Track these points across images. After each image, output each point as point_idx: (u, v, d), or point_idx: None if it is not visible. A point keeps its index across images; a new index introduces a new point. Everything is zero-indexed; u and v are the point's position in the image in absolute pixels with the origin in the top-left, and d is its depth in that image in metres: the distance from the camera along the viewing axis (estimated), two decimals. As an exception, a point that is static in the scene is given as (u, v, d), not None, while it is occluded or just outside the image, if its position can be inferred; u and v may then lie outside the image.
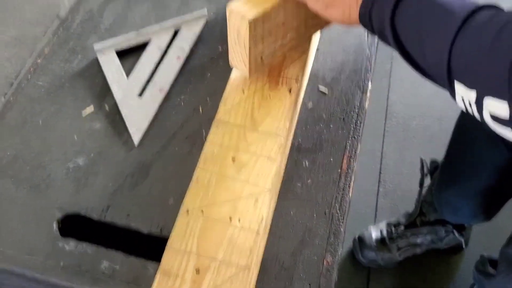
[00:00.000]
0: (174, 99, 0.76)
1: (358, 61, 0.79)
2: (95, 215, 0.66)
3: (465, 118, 1.02)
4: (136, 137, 0.71)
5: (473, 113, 0.46)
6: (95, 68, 0.79)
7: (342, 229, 0.65)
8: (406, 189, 1.43)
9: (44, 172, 0.69)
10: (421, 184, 1.27)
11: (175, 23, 0.82)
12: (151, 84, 0.76)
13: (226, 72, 0.76)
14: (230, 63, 0.65)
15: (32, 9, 1.86)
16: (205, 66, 0.79)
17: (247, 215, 0.55)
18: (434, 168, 1.23)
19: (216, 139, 0.61)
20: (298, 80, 0.66)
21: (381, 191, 1.44)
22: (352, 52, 0.80)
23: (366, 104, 0.76)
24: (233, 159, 0.59)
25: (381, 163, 1.48)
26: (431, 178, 1.26)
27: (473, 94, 0.44)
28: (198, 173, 0.58)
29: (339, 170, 0.69)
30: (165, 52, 0.80)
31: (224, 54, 0.80)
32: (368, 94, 0.77)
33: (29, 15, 1.86)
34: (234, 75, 0.67)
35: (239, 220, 0.55)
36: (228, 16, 0.58)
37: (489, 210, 1.09)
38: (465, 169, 1.03)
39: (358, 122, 0.73)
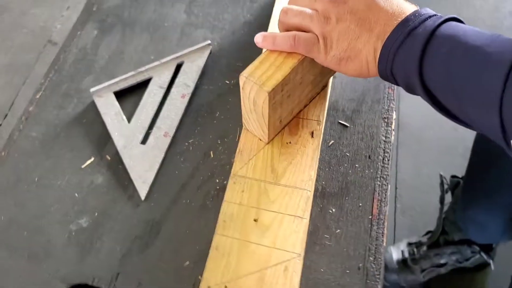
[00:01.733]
0: (181, 144, 0.69)
1: (379, 89, 0.73)
2: (103, 285, 0.59)
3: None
4: (142, 191, 0.64)
5: None
6: (92, 113, 0.72)
7: (379, 286, 0.58)
8: (424, 205, 1.36)
9: (42, 237, 0.62)
10: (442, 201, 1.21)
11: (176, 57, 0.75)
12: (155, 128, 0.69)
13: (236, 110, 0.70)
14: (244, 126, 0.59)
15: (22, 34, 1.78)
16: (213, 103, 0.73)
17: (276, 288, 0.49)
18: (455, 185, 1.16)
19: (234, 197, 0.54)
20: (320, 122, 0.59)
21: (399, 207, 1.38)
22: (373, 79, 0.73)
23: (392, 138, 0.69)
24: (256, 220, 0.52)
25: (396, 178, 1.42)
26: (452, 195, 1.19)
27: None
28: (218, 240, 0.52)
29: (370, 217, 0.62)
30: (168, 90, 0.73)
31: (233, 88, 0.74)
32: (393, 126, 0.70)
33: (19, 41, 1.79)
34: (248, 119, 0.60)
35: (268, 295, 0.48)
36: (242, 85, 0.52)
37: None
38: (492, 184, 0.96)
39: (386, 159, 0.67)
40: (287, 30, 0.55)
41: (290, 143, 0.58)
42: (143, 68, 0.74)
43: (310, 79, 0.57)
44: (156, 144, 0.68)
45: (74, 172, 0.67)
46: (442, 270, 1.20)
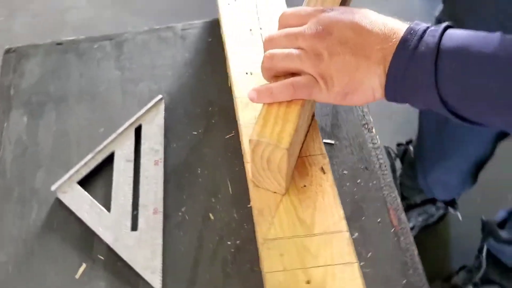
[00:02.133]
0: (175, 216, 0.63)
1: (348, 96, 0.71)
2: None
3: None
4: (156, 283, 0.58)
5: None
6: (62, 213, 0.63)
7: (428, 296, 0.58)
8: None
9: None
10: (394, 170, 1.25)
11: (131, 123, 0.68)
12: (140, 208, 0.63)
13: (215, 160, 0.66)
14: (254, 183, 0.55)
15: None
16: (190, 161, 0.67)
17: None
18: (403, 152, 1.21)
19: (275, 265, 0.50)
20: (324, 154, 0.57)
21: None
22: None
23: (379, 142, 0.68)
24: (308, 283, 0.49)
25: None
26: (402, 161, 1.24)
27: None
28: (278, 318, 0.48)
29: (393, 230, 0.61)
30: (137, 161, 0.66)
31: (203, 138, 0.69)
32: (374, 131, 0.69)
33: None
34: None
35: None
36: (253, 148, 0.49)
37: (477, 174, 1.09)
38: (448, 145, 1.00)
39: (383, 166, 0.66)
40: (276, 76, 0.52)
41: (305, 186, 0.55)
42: (100, 147, 0.66)
43: (306, 116, 0.55)
44: (149, 226, 0.61)
45: (69, 286, 0.58)
46: (412, 233, 1.25)
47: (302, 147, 0.57)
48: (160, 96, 0.70)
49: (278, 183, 0.52)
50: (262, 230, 0.52)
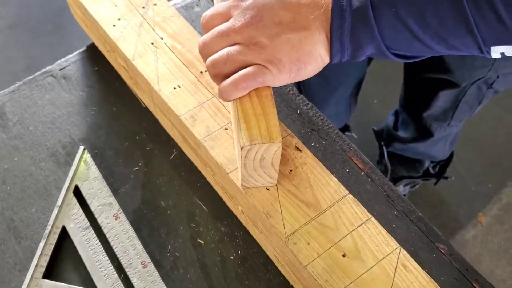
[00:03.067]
0: (165, 259, 0.58)
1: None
2: None
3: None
4: (187, 332, 0.54)
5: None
6: (43, 317, 0.55)
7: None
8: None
9: None
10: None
11: (66, 188, 0.60)
12: (127, 270, 0.57)
13: (174, 185, 0.63)
14: (242, 186, 0.53)
15: None
16: (148, 199, 0.62)
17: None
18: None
19: (309, 255, 0.50)
20: (291, 133, 0.57)
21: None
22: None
23: (310, 103, 0.70)
24: (345, 255, 0.50)
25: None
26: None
27: None
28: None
29: (363, 173, 0.65)
30: (94, 224, 0.59)
31: (149, 170, 0.64)
32: (300, 94, 0.71)
33: None
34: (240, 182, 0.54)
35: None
36: (246, 154, 0.48)
37: (358, 95, 1.18)
38: (333, 81, 1.07)
39: (325, 121, 0.68)
40: (225, 79, 0.50)
41: (291, 171, 0.54)
42: (47, 229, 0.58)
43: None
44: (147, 281, 0.56)
45: None
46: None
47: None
48: (81, 147, 0.63)
49: (271, 176, 0.51)
50: (279, 229, 0.51)
